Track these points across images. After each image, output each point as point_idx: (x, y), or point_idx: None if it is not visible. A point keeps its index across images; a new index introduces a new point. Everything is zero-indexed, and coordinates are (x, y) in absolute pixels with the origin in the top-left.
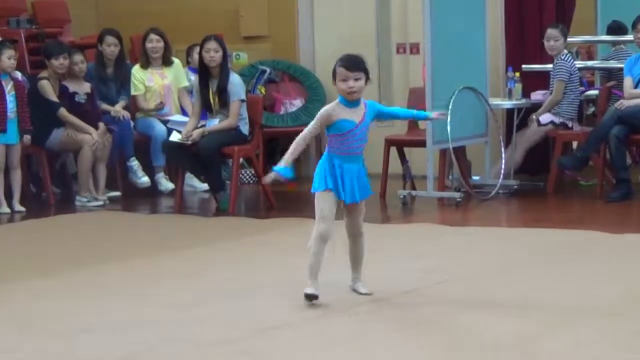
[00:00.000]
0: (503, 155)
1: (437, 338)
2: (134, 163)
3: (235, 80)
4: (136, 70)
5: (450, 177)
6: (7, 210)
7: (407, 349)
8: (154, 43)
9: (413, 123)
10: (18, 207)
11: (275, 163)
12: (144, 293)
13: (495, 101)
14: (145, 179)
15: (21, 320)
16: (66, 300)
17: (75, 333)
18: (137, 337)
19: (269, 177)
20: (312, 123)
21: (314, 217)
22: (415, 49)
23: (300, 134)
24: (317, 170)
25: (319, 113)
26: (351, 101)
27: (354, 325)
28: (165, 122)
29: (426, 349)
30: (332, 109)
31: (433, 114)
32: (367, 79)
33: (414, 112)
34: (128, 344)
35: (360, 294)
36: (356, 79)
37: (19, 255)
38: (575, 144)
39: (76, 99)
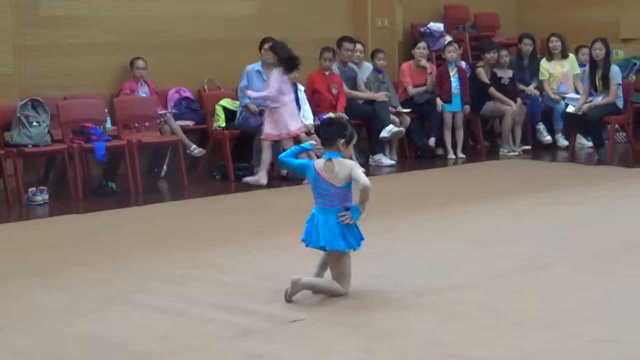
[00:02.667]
0: None
1: None
2: (541, 126)
3: (614, 69)
4: (543, 62)
5: None
6: (453, 156)
7: None
8: (554, 43)
9: None
10: (460, 154)
11: None
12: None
13: None
14: (547, 138)
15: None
16: (489, 221)
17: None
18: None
19: None
20: None
21: None
22: None
23: None
24: None
25: None
26: None
27: None
28: (564, 99)
29: None
30: None
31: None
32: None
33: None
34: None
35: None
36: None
37: (455, 191)
38: None
39: (502, 81)
